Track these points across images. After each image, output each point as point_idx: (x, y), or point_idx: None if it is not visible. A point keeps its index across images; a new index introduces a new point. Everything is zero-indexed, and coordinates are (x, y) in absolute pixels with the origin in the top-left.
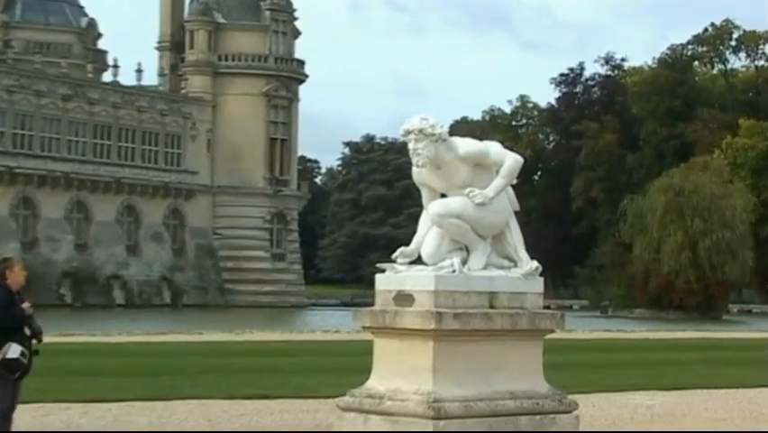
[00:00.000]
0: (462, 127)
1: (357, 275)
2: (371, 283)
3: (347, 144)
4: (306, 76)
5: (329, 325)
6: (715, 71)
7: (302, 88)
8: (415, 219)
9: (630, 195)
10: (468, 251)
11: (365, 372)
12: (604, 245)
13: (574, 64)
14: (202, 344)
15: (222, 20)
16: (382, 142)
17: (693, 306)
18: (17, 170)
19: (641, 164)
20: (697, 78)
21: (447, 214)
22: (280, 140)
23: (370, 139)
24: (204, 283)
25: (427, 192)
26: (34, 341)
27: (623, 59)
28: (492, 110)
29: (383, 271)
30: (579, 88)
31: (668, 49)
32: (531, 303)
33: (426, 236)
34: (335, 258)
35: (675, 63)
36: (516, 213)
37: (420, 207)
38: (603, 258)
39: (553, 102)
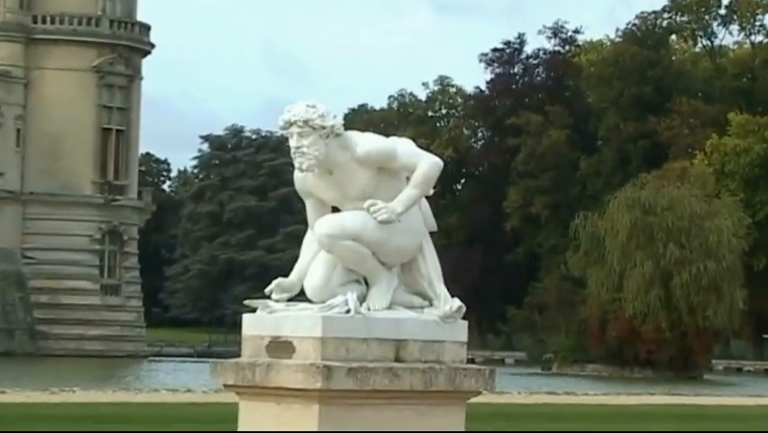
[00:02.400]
0: (361, 118)
1: (216, 315)
2: (236, 326)
3: (205, 139)
4: (152, 46)
5: (178, 382)
6: (698, 49)
7: (146, 63)
8: (296, 240)
9: (583, 212)
10: (367, 284)
11: None
12: (547, 279)
13: (511, 36)
14: (2, 407)
15: None
16: (253, 137)
17: (665, 361)
18: None
19: (598, 171)
20: (674, 58)
21: (340, 235)
22: (116, 131)
23: (236, 132)
24: (8, 324)
25: (314, 205)
26: None
27: (576, 31)
28: (401, 96)
29: (253, 309)
30: (517, 69)
31: (636, 18)
32: (450, 355)
33: (312, 264)
34: (188, 292)
35: (645, 37)
36: (432, 234)
37: (303, 223)
38: (546, 296)
39: (483, 86)
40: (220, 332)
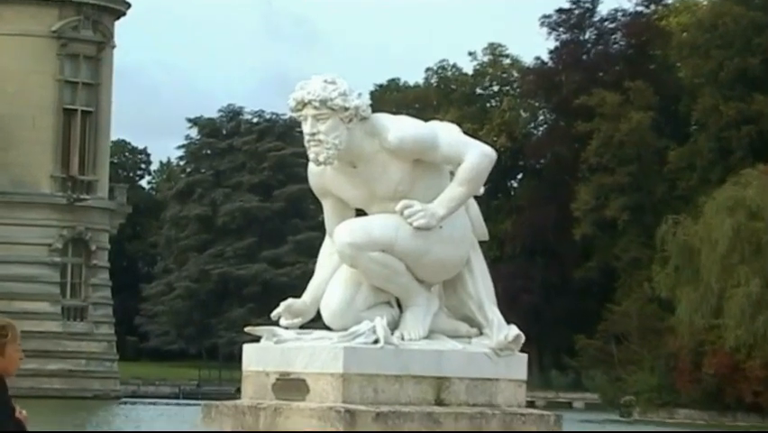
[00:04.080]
0: (392, 97)
1: (208, 346)
2: (233, 360)
3: (194, 123)
4: (127, 5)
5: (159, 430)
6: None
7: (119, 27)
8: (308, 251)
9: (672, 216)
10: (400, 308)
11: None
12: (627, 301)
13: None
14: None
15: None
16: (254, 121)
17: None
18: None
19: (691, 165)
20: None
21: (366, 244)
22: (82, 113)
23: (232, 114)
24: None
25: (333, 206)
26: None
27: None
28: (442, 69)
29: (255, 339)
30: (588, 35)
31: None
32: (505, 397)
33: (330, 282)
34: (172, 316)
35: None
36: (481, 243)
37: (319, 230)
38: (625, 322)
39: (545, 57)
40: (212, 367)
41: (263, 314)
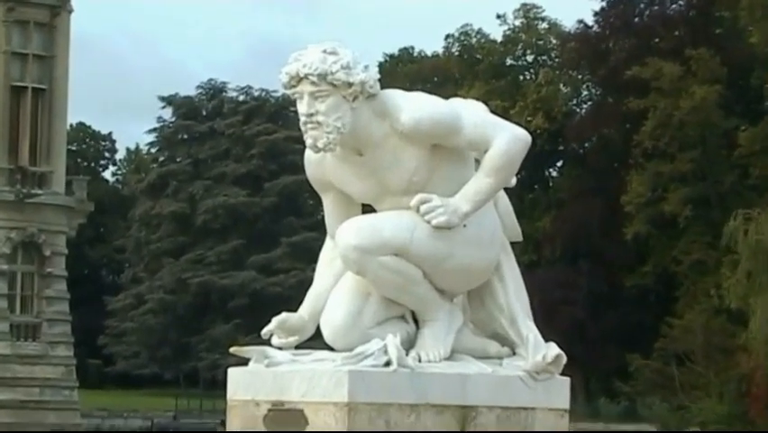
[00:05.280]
0: (405, 69)
1: (186, 370)
2: (217, 387)
3: (168, 102)
4: None
5: None
6: None
7: None
8: (305, 255)
9: (744, 211)
10: (417, 323)
11: None
12: (690, 313)
13: None
14: None
15: None
16: (240, 99)
17: None
18: None
19: (766, 148)
20: None
21: (375, 247)
22: (33, 91)
23: (214, 91)
24: None
25: (336, 202)
26: None
27: None
28: (465, 35)
29: (244, 361)
30: None
31: None
32: (544, 429)
33: (333, 293)
34: (142, 334)
35: None
36: (514, 246)
37: (318, 230)
38: (689, 339)
39: (589, 20)
40: (191, 395)
41: (252, 331)
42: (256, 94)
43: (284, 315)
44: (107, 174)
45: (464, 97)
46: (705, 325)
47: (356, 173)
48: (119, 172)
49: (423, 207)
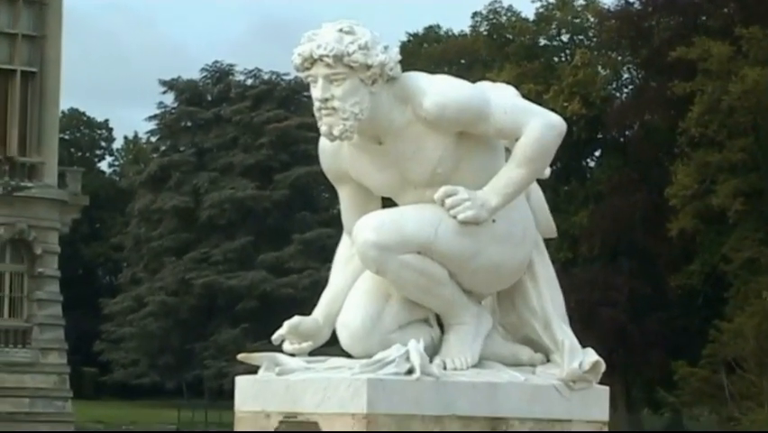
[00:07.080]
0: (429, 51)
1: (189, 378)
2: (224, 397)
3: (169, 87)
4: None
5: None
6: None
7: None
8: (320, 253)
9: None
10: (441, 327)
11: None
12: (742, 317)
13: None
14: None
15: None
16: (247, 83)
17: None
18: None
19: None
20: None
21: (396, 245)
22: (22, 74)
23: (219, 74)
24: None
25: (352, 195)
26: None
27: None
28: (494, 13)
29: (253, 369)
30: None
31: None
32: None
33: (350, 295)
34: (142, 340)
35: None
36: (548, 243)
37: (334, 226)
38: (740, 345)
39: None
40: (196, 406)
41: (261, 337)
42: (265, 77)
43: (296, 318)
44: (103, 165)
45: (493, 81)
46: (757, 329)
47: (375, 164)
48: (116, 163)
49: (448, 201)
